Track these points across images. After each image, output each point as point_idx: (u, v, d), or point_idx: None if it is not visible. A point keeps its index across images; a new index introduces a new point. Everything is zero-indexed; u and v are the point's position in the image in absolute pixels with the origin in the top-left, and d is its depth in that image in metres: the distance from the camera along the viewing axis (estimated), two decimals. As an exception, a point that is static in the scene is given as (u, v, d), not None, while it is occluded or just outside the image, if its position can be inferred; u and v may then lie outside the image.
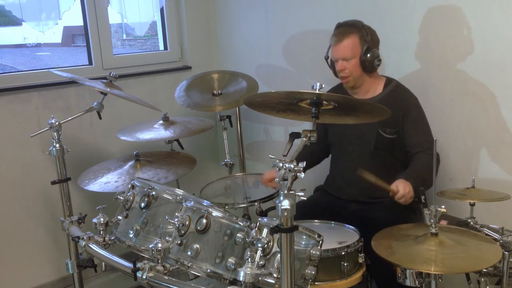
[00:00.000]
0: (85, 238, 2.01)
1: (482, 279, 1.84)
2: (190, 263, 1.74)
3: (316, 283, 1.86)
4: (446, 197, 2.03)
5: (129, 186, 2.03)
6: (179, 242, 1.76)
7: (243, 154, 3.28)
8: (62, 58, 3.78)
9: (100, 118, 2.48)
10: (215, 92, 3.01)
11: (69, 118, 2.39)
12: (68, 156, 2.37)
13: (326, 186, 2.61)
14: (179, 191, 2.10)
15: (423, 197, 1.92)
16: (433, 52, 2.54)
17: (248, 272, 1.49)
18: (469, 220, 1.97)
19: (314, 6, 2.99)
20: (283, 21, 3.19)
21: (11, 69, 3.18)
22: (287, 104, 1.69)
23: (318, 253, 1.72)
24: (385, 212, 2.26)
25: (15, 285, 2.92)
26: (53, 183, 2.35)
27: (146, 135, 2.68)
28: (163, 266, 1.69)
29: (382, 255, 1.68)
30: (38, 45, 3.33)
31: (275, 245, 1.63)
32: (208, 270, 1.72)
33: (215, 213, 1.77)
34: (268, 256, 1.63)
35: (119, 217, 1.98)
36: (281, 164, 1.40)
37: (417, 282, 1.79)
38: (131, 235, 1.90)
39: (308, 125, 1.57)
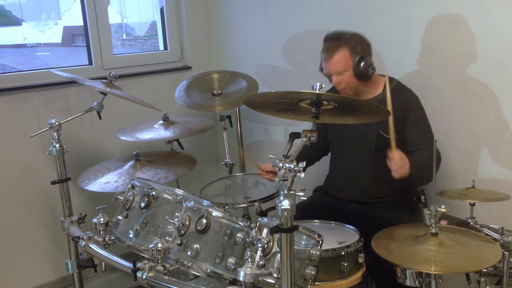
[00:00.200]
0: (85, 238, 2.01)
1: (482, 279, 1.84)
2: (190, 263, 1.74)
3: (316, 283, 1.86)
4: (446, 197, 2.03)
5: (129, 186, 2.03)
6: (179, 242, 1.76)
7: (243, 154, 3.28)
8: (62, 58, 3.78)
9: (100, 118, 2.48)
10: (215, 92, 3.01)
11: (69, 118, 2.39)
12: (68, 156, 2.37)
13: (325, 186, 2.61)
14: (179, 191, 2.10)
15: (423, 197, 1.92)
16: (433, 52, 2.54)
17: (248, 272, 1.49)
18: (469, 220, 1.97)
19: (314, 6, 2.98)
20: (283, 21, 3.18)
21: (11, 69, 3.17)
22: (287, 104, 1.69)
23: (318, 253, 1.72)
24: (385, 212, 2.26)
25: (15, 285, 2.92)
26: (53, 183, 2.35)
27: (146, 135, 2.68)
28: (163, 266, 1.69)
29: (382, 255, 1.68)
30: (38, 45, 3.33)
31: (275, 245, 1.63)
32: (208, 270, 1.72)
33: (215, 213, 1.77)
34: (268, 256, 1.63)
35: (119, 217, 1.98)
36: (281, 164, 1.40)
37: (417, 282, 1.79)
38: (131, 235, 1.90)
39: (308, 125, 1.56)
